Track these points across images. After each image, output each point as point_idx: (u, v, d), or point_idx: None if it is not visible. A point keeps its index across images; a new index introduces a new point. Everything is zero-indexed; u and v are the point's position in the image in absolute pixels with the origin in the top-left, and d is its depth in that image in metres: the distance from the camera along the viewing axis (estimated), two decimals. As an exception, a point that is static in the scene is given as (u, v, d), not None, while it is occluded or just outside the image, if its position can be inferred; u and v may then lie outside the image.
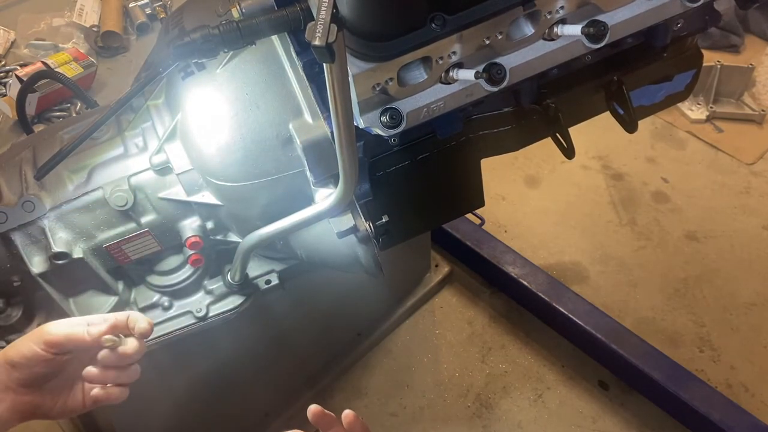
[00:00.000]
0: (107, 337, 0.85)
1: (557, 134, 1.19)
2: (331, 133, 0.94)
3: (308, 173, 1.01)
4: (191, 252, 1.16)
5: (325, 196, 0.99)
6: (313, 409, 0.91)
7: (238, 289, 1.22)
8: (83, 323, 0.86)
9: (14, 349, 0.83)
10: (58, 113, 1.90)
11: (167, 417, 1.60)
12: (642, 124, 1.20)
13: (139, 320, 0.88)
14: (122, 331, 0.87)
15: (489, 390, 2.02)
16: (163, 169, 1.11)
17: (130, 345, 0.87)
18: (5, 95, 1.91)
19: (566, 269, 2.27)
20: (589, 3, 0.95)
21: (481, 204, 1.24)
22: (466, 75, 0.91)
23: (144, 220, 1.13)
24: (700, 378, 1.86)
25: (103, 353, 0.86)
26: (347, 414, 0.91)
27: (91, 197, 1.11)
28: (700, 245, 2.32)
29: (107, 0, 2.25)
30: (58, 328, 0.84)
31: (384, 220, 1.09)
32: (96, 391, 0.88)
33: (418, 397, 2.02)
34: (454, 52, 0.91)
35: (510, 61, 0.95)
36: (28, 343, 0.83)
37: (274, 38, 1.02)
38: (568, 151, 1.20)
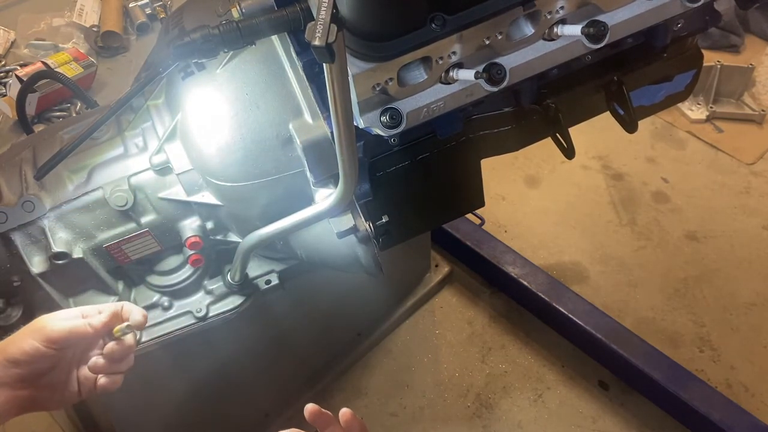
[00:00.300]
0: (120, 327, 0.88)
1: (557, 134, 1.20)
2: (331, 133, 0.94)
3: (308, 173, 1.01)
4: (191, 252, 1.16)
5: (325, 196, 0.99)
6: (310, 408, 0.91)
7: (238, 289, 1.22)
8: (78, 315, 0.88)
9: (15, 345, 0.83)
10: (58, 113, 1.90)
11: (167, 417, 1.60)
12: (642, 124, 1.20)
13: (133, 311, 0.90)
14: (119, 321, 0.90)
15: (489, 390, 2.02)
16: (163, 169, 1.11)
17: (130, 336, 0.90)
18: (5, 95, 1.91)
19: (566, 269, 2.26)
20: (589, 3, 0.95)
21: (481, 204, 1.24)
22: (466, 75, 0.91)
23: (144, 220, 1.13)
24: (700, 378, 1.86)
25: (110, 346, 0.89)
26: (344, 412, 0.91)
27: (91, 197, 1.11)
28: (700, 245, 2.32)
29: (107, 0, 2.25)
30: (59, 324, 0.85)
31: (384, 220, 1.09)
32: (104, 380, 0.90)
33: (418, 397, 2.02)
34: (454, 52, 0.91)
35: (510, 61, 0.95)
36: (29, 340, 0.83)
37: (274, 38, 1.02)
38: (568, 151, 1.20)
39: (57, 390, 0.89)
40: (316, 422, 0.92)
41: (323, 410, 0.91)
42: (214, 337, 1.29)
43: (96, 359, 0.89)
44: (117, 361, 0.90)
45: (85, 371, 0.90)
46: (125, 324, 0.89)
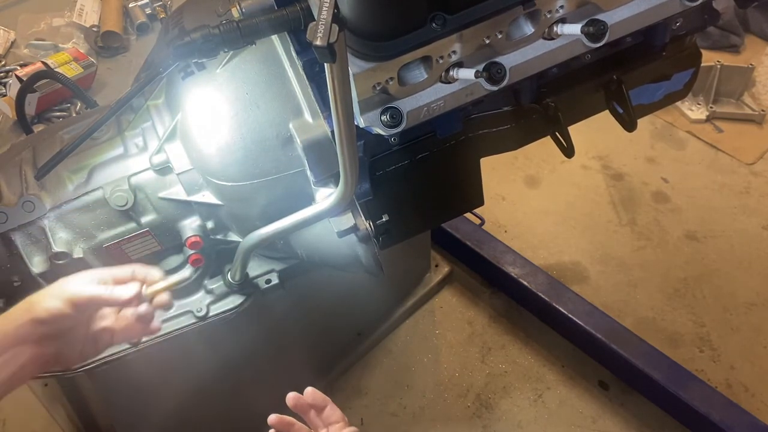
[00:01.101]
0: (151, 291, 0.93)
1: (557, 133, 1.20)
2: (332, 132, 0.94)
3: (308, 173, 1.01)
4: (191, 252, 1.16)
5: (326, 196, 0.99)
6: (291, 396, 1.02)
7: (238, 288, 1.22)
8: (95, 281, 0.90)
9: (41, 306, 0.86)
10: (58, 113, 1.90)
11: (167, 417, 1.60)
12: (642, 124, 1.21)
13: (151, 274, 0.95)
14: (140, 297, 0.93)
15: (489, 390, 2.02)
16: (163, 169, 1.11)
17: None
18: (5, 95, 1.91)
19: (566, 269, 2.27)
20: (589, 2, 0.95)
21: (481, 203, 1.24)
22: (467, 74, 0.91)
23: (144, 220, 1.13)
24: (700, 378, 1.86)
25: (163, 300, 0.95)
26: (307, 390, 1.04)
27: (91, 197, 1.11)
28: (700, 245, 2.32)
29: (107, 0, 2.25)
30: (82, 290, 0.88)
31: (384, 220, 1.09)
32: (156, 323, 0.96)
33: (418, 397, 2.02)
34: (454, 52, 0.91)
35: (510, 60, 0.95)
36: (55, 301, 0.86)
37: (274, 38, 1.02)
38: (568, 150, 1.20)
39: (77, 346, 0.92)
40: (297, 408, 1.03)
41: (302, 396, 1.03)
42: (215, 336, 1.29)
43: (143, 306, 0.93)
44: (159, 308, 0.96)
45: (102, 325, 0.93)
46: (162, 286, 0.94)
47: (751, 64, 2.64)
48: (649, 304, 2.17)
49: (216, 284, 1.23)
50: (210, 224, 1.16)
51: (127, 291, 0.90)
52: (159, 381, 1.47)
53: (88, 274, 0.91)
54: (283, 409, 1.02)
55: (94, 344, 0.93)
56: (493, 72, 0.90)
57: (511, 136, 1.17)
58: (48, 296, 0.87)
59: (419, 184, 1.15)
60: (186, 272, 0.99)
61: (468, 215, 2.20)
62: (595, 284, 2.23)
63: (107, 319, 0.93)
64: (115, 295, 0.89)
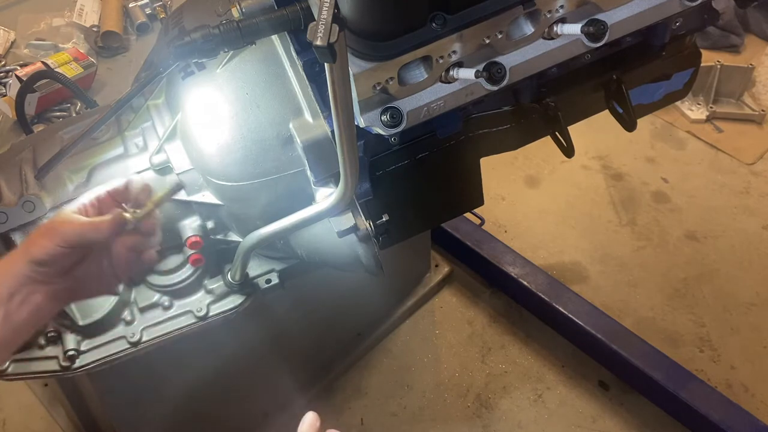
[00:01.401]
0: (138, 215, 0.90)
1: (557, 133, 1.20)
2: (332, 132, 0.94)
3: (309, 173, 1.01)
4: (191, 251, 1.16)
5: (326, 196, 0.99)
6: None
7: (238, 288, 1.22)
8: (82, 213, 0.88)
9: (37, 247, 0.84)
10: (58, 113, 1.91)
11: (167, 417, 1.60)
12: (642, 124, 1.21)
13: (132, 185, 0.92)
14: (124, 200, 0.91)
15: (489, 390, 2.02)
16: (164, 169, 1.11)
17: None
18: (5, 95, 1.91)
19: (566, 269, 2.26)
20: (589, 2, 0.96)
21: (481, 203, 1.24)
22: (467, 74, 0.91)
23: (144, 219, 1.13)
24: (700, 378, 1.86)
25: (148, 227, 0.92)
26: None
27: (92, 197, 1.11)
28: (700, 245, 2.32)
29: (107, 0, 2.25)
30: (70, 229, 0.85)
31: (384, 219, 1.09)
32: (149, 253, 0.94)
33: (418, 397, 2.02)
34: (454, 52, 0.91)
35: (510, 60, 0.95)
36: (47, 242, 0.84)
37: (274, 38, 1.02)
38: (568, 150, 1.20)
39: (93, 279, 0.91)
40: None
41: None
42: (215, 336, 1.29)
43: (132, 239, 0.91)
44: (149, 236, 0.93)
45: (115, 254, 0.90)
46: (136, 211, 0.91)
47: (751, 64, 2.64)
48: (649, 304, 2.17)
49: (216, 284, 1.23)
50: (210, 224, 1.16)
51: (104, 223, 0.87)
52: (159, 381, 1.47)
53: (73, 205, 0.89)
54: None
55: (114, 274, 0.91)
56: (493, 72, 0.90)
57: (511, 136, 1.17)
58: (41, 236, 0.85)
59: (419, 183, 1.15)
60: (169, 186, 0.96)
61: (468, 215, 2.20)
62: (595, 284, 2.23)
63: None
64: (100, 230, 0.86)
